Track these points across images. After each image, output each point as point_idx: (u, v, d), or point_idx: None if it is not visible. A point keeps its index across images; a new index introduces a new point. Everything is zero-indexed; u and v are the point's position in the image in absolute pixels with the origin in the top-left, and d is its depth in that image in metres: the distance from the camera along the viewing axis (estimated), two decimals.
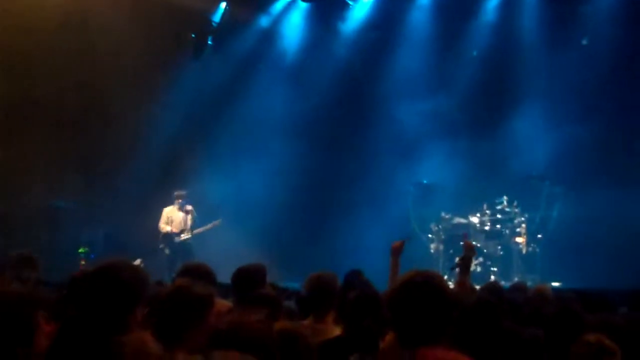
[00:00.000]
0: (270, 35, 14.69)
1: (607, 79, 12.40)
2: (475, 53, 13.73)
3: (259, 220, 13.36)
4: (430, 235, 12.47)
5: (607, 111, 12.40)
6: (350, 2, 14.23)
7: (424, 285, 2.91)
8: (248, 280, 4.72)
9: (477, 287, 6.60)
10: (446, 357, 2.85)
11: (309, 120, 14.17)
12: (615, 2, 12.68)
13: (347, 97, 14.33)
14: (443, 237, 12.25)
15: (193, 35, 13.97)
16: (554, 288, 10.40)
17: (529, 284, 8.73)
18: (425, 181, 13.01)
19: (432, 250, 12.39)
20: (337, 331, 4.39)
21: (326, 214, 13.90)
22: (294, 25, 14.58)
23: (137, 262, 8.73)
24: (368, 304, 4.25)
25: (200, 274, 4.31)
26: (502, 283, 10.39)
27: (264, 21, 14.72)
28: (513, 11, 13.49)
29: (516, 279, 10.90)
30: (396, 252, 5.48)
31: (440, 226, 12.34)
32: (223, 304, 4.20)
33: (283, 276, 9.65)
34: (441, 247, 12.22)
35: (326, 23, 14.54)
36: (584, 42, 13.10)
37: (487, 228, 12.04)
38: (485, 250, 11.89)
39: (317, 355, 3.31)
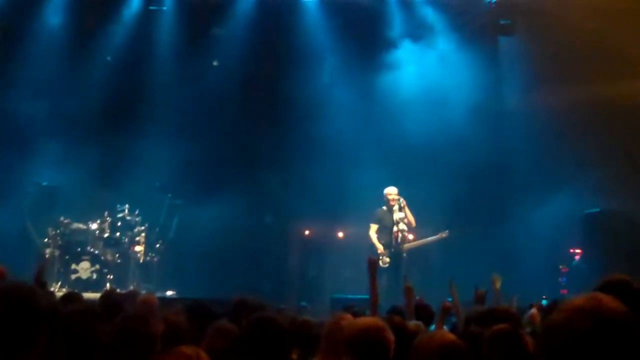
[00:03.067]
0: None
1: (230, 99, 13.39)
2: (109, 58, 13.61)
3: None
4: (46, 240, 11.90)
5: (222, 131, 13.33)
6: None
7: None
8: None
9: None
10: None
11: None
12: (246, 29, 13.63)
13: None
14: (60, 242, 11.79)
15: None
16: (165, 297, 10.89)
17: (143, 292, 8.87)
18: (45, 183, 12.40)
19: (47, 256, 11.82)
20: None
21: None
22: None
23: None
24: None
25: None
26: (118, 290, 10.48)
27: None
28: (151, 24, 13.71)
29: (131, 287, 10.98)
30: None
31: (58, 231, 11.86)
32: None
33: None
34: (57, 252, 11.74)
35: None
36: (215, 63, 13.92)
37: (106, 235, 11.89)
38: (102, 258, 11.74)
39: None
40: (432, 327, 5.74)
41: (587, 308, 2.07)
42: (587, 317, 2.05)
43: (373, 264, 5.86)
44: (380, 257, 11.33)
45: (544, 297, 8.37)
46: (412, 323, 5.31)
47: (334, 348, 4.04)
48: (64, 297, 6.48)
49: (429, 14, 13.61)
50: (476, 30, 13.55)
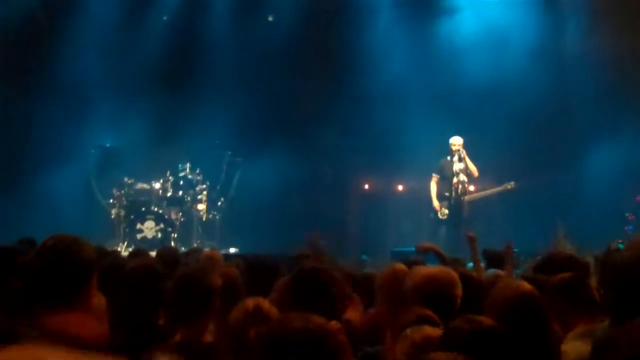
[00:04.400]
0: None
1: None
2: (165, 18, 13.67)
3: None
4: (111, 201, 12.18)
5: (278, 86, 13.32)
6: None
7: None
8: None
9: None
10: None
11: None
12: None
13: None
14: (125, 202, 12.05)
15: None
16: (229, 254, 11.07)
17: (206, 249, 9.02)
18: (107, 144, 12.63)
19: (112, 216, 12.12)
20: None
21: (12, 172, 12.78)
22: None
23: None
24: None
25: None
26: (182, 249, 10.73)
27: None
28: None
29: (195, 245, 11.19)
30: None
31: (122, 191, 12.10)
32: None
33: None
34: (122, 212, 12.01)
35: None
36: (270, 18, 13.84)
37: (169, 194, 12.07)
38: (166, 217, 11.96)
39: None
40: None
41: None
42: None
43: (473, 240, 5.88)
44: (440, 209, 11.24)
45: (619, 240, 8.05)
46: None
47: (390, 298, 4.03)
48: (132, 253, 6.68)
49: None
50: None
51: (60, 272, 2.93)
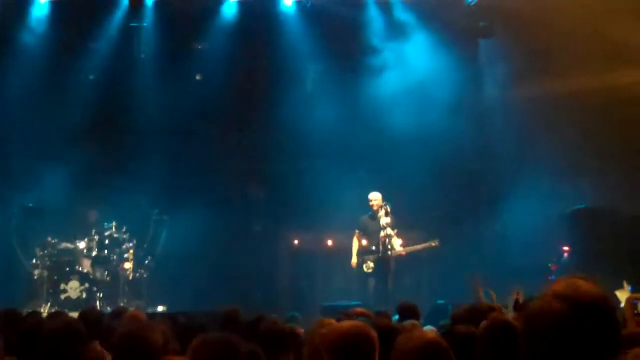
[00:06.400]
0: None
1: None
2: (91, 77, 13.60)
3: None
4: (34, 261, 11.83)
5: (206, 144, 13.43)
6: None
7: None
8: None
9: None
10: None
11: None
12: (227, 43, 13.65)
13: None
14: (48, 263, 11.73)
15: None
16: (156, 312, 10.88)
17: (131, 309, 8.83)
18: (30, 204, 12.33)
19: (35, 277, 11.76)
20: None
21: None
22: None
23: None
24: None
25: None
26: (108, 308, 10.48)
27: None
28: (132, 40, 13.73)
29: (121, 304, 10.94)
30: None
31: (45, 251, 11.79)
32: None
33: None
34: (45, 273, 11.67)
35: None
36: (198, 77, 13.95)
37: (94, 253, 11.82)
38: (91, 276, 11.68)
39: None
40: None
41: (565, 293, 2.09)
42: (564, 301, 2.07)
43: (476, 280, 6.06)
44: (366, 263, 11.41)
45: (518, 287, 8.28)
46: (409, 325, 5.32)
47: (317, 354, 4.02)
48: (50, 315, 6.50)
49: (408, 17, 13.66)
50: (456, 32, 13.61)
51: None
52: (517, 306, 5.74)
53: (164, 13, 13.58)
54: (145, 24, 13.72)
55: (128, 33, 13.68)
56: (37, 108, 12.94)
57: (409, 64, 13.50)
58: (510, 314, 5.41)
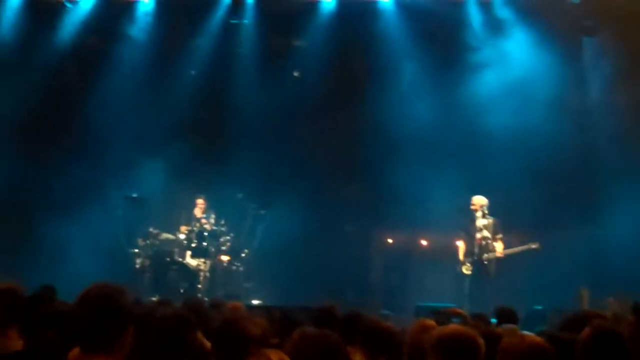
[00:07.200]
0: None
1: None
2: (193, 72, 13.97)
3: None
4: (136, 250, 12.30)
5: (304, 140, 13.57)
6: (68, 4, 13.61)
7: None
8: None
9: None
10: None
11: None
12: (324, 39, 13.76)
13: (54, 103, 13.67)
14: (150, 252, 12.19)
15: None
16: (252, 305, 11.08)
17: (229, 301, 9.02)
18: (135, 195, 12.81)
19: (137, 266, 12.23)
20: (18, 345, 4.18)
21: (30, 222, 12.98)
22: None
23: None
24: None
25: None
26: (205, 299, 10.73)
27: None
28: (232, 37, 14.01)
29: (218, 296, 11.17)
30: None
31: (147, 241, 12.25)
32: None
33: None
34: (147, 262, 12.13)
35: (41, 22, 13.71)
36: (296, 74, 14.12)
37: (194, 245, 12.18)
38: (190, 267, 12.04)
39: None
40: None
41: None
42: None
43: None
44: (464, 265, 11.29)
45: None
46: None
47: (419, 354, 4.03)
48: (159, 302, 6.74)
49: (509, 14, 13.37)
50: (558, 29, 13.22)
51: (104, 319, 3.03)
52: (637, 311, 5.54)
53: (263, 10, 13.81)
54: (245, 21, 13.99)
55: (228, 30, 13.97)
56: (140, 103, 13.38)
57: (509, 62, 13.19)
58: (629, 318, 5.23)
